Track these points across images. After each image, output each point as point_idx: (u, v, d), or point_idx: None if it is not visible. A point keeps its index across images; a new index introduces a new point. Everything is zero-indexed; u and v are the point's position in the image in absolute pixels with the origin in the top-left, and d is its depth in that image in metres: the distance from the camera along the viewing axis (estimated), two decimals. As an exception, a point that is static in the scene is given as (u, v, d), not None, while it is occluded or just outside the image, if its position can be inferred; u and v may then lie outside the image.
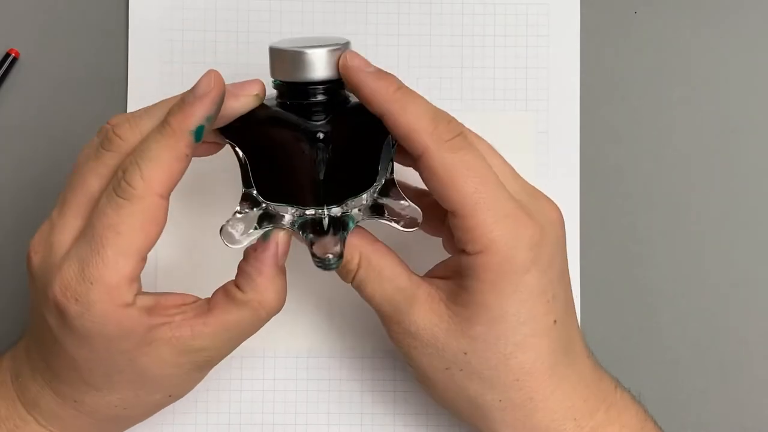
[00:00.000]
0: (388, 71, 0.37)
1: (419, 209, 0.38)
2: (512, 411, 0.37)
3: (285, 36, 0.46)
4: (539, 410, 0.37)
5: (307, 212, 0.37)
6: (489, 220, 0.36)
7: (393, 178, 0.38)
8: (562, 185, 0.46)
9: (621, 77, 0.47)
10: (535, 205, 0.37)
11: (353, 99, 0.37)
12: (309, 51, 0.36)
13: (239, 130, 0.37)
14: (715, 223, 0.46)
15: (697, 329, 0.46)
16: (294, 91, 0.36)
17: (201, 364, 0.38)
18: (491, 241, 0.36)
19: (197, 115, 0.35)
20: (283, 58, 0.36)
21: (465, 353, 0.37)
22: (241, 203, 0.38)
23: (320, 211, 0.37)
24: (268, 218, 0.38)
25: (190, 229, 0.46)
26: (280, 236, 0.37)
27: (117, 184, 0.35)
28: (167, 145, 0.35)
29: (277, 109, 0.37)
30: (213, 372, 0.45)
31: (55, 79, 0.46)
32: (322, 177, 0.36)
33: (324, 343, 0.46)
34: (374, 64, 0.37)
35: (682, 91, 0.47)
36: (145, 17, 0.46)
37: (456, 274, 0.37)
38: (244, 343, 0.45)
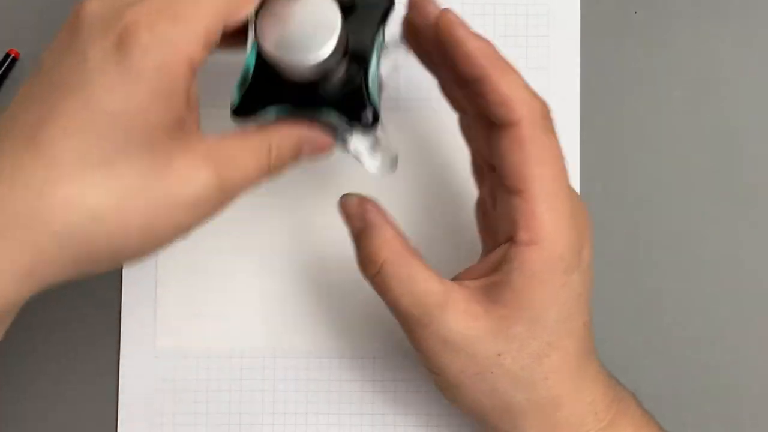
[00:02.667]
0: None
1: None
2: (539, 409, 0.37)
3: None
4: (564, 406, 0.37)
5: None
6: (552, 213, 0.35)
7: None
8: (562, 185, 0.46)
9: (621, 77, 0.47)
10: (578, 209, 0.37)
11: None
12: (311, 59, 0.33)
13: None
14: (716, 222, 0.46)
15: (697, 329, 0.46)
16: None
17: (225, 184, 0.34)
18: (548, 234, 0.35)
19: None
20: (285, 66, 0.34)
21: (499, 355, 0.36)
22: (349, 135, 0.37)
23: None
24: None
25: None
26: None
27: None
28: None
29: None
30: (213, 372, 0.45)
31: (55, 79, 0.46)
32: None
33: (324, 343, 0.46)
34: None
35: (682, 91, 0.47)
36: (145, 17, 0.46)
37: (492, 272, 0.36)
38: (244, 343, 0.45)
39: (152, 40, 0.30)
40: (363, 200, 0.38)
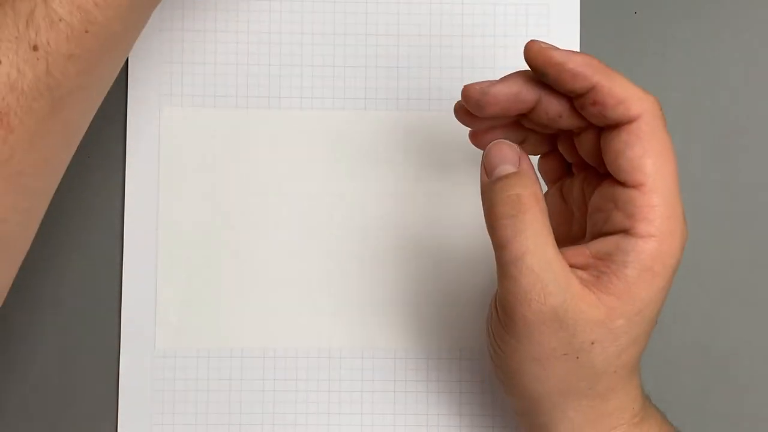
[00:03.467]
0: None
1: None
2: (594, 398, 0.37)
3: (284, 36, 0.46)
4: (612, 399, 0.37)
5: None
6: (670, 208, 0.36)
7: None
8: (562, 185, 0.46)
9: (621, 77, 0.47)
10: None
11: None
12: None
13: None
14: (716, 222, 0.46)
15: (697, 329, 0.46)
16: None
17: None
18: (666, 229, 0.35)
19: None
20: None
21: (593, 343, 0.36)
22: None
23: None
24: None
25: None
26: None
27: None
28: None
29: None
30: (213, 372, 0.45)
31: (55, 79, 0.46)
32: None
33: (325, 343, 0.46)
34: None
35: (682, 91, 0.47)
36: (145, 17, 0.46)
37: (600, 261, 0.36)
38: (243, 343, 0.45)
39: None
40: (523, 153, 0.38)
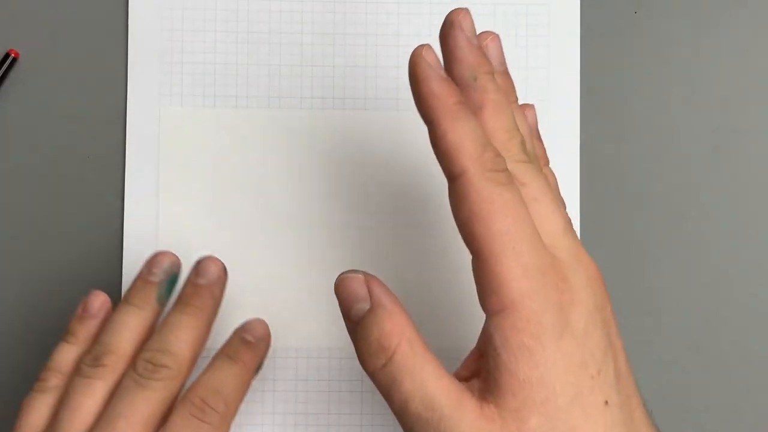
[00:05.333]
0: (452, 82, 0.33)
1: None
2: None
3: (284, 36, 0.46)
4: None
5: None
6: (516, 270, 0.30)
7: None
8: (562, 185, 0.46)
9: (621, 77, 0.47)
10: (573, 265, 0.32)
11: None
12: None
13: None
14: (716, 223, 0.46)
15: (697, 329, 0.46)
16: None
17: None
18: (517, 295, 0.30)
19: (262, 354, 0.41)
20: None
21: None
22: None
23: None
24: None
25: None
26: None
27: (201, 413, 0.37)
28: (243, 379, 0.39)
29: None
30: (213, 372, 0.45)
31: (55, 79, 0.46)
32: None
33: (324, 343, 0.46)
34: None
35: (683, 91, 0.47)
36: (145, 17, 0.46)
37: (483, 361, 0.32)
38: (244, 343, 0.45)
39: None
40: (369, 278, 0.34)
